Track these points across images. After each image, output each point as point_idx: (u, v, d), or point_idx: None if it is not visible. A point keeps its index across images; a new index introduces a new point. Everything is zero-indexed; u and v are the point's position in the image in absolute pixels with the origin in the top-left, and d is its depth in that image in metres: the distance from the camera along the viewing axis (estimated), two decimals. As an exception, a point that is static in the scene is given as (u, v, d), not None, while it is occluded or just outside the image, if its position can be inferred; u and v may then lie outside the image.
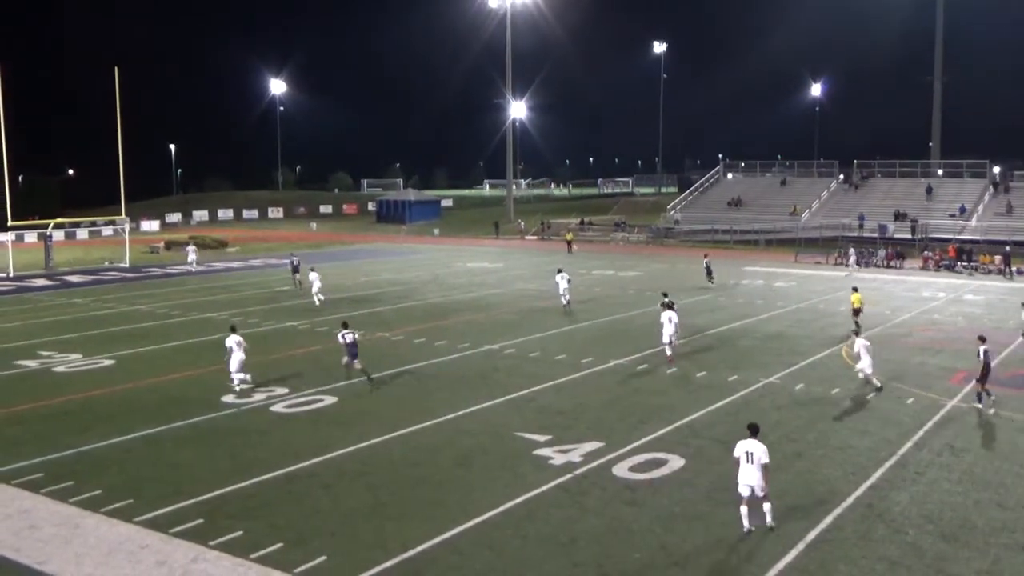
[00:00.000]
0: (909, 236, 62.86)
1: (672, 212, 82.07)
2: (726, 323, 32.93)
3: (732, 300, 39.44)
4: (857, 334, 24.16)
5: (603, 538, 13.64)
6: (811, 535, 13.67)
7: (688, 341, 29.34)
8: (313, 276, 38.61)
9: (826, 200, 77.00)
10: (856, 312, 31.35)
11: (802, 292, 42.17)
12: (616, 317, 34.69)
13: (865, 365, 22.43)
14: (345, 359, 23.72)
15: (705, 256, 46.51)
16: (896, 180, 78.42)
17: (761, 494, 13.76)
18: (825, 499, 15.16)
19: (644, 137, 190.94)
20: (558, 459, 17.13)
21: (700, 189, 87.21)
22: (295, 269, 43.23)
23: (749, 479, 13.73)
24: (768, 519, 13.77)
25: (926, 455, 17.59)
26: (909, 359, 26.59)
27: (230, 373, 22.90)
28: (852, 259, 52.17)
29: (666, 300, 27.77)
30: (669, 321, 25.84)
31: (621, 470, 16.60)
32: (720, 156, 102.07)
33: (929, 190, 72.45)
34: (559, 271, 37.47)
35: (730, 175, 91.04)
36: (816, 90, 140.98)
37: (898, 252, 56.10)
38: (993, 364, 21.35)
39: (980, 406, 20.71)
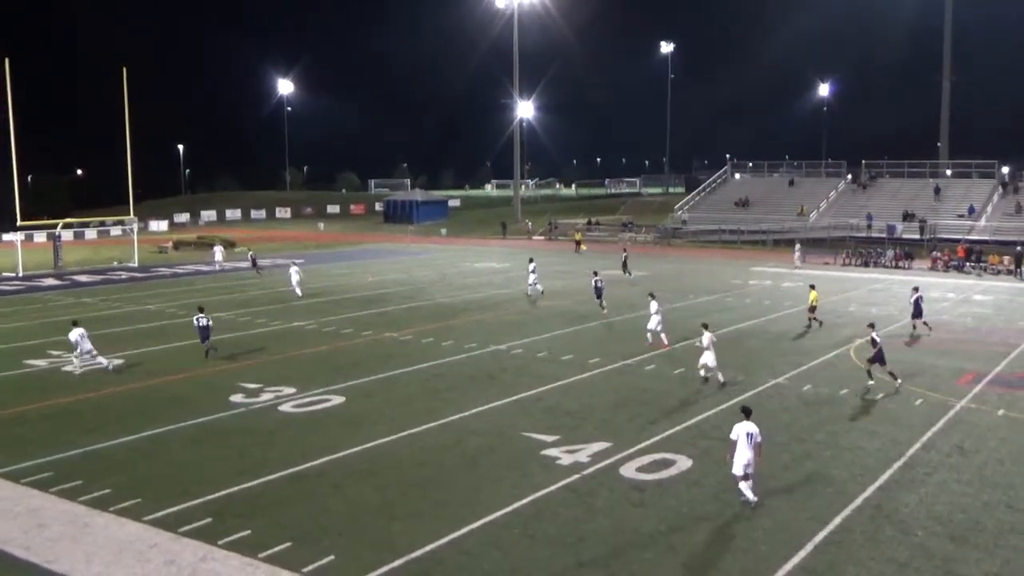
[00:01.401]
0: (917, 236, 62.66)
1: (679, 212, 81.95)
2: (734, 323, 32.87)
3: (740, 301, 39.38)
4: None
5: (611, 538, 13.63)
6: (819, 536, 13.64)
7: (694, 342, 29.28)
8: (293, 270, 41.69)
9: (834, 200, 76.80)
10: (812, 309, 31.89)
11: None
12: (624, 317, 34.66)
13: (709, 360, 23.30)
14: (203, 343, 26.65)
15: (624, 250, 48.62)
16: (904, 180, 78.17)
17: (751, 471, 14.76)
18: (833, 500, 15.13)
19: (651, 137, 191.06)
20: (566, 459, 17.12)
21: (707, 189, 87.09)
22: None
23: (745, 458, 14.71)
24: (750, 496, 14.78)
25: (935, 456, 17.54)
26: (918, 360, 26.51)
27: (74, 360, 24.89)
28: (797, 255, 54.31)
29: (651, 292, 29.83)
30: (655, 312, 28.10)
31: (629, 470, 16.59)
32: (728, 156, 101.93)
33: (937, 190, 72.22)
34: (531, 260, 40.71)
35: (737, 175, 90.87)
36: (824, 90, 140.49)
37: (906, 252, 55.99)
38: (1002, 365, 21.39)
39: (871, 383, 22.97)
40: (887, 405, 21.34)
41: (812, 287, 32.99)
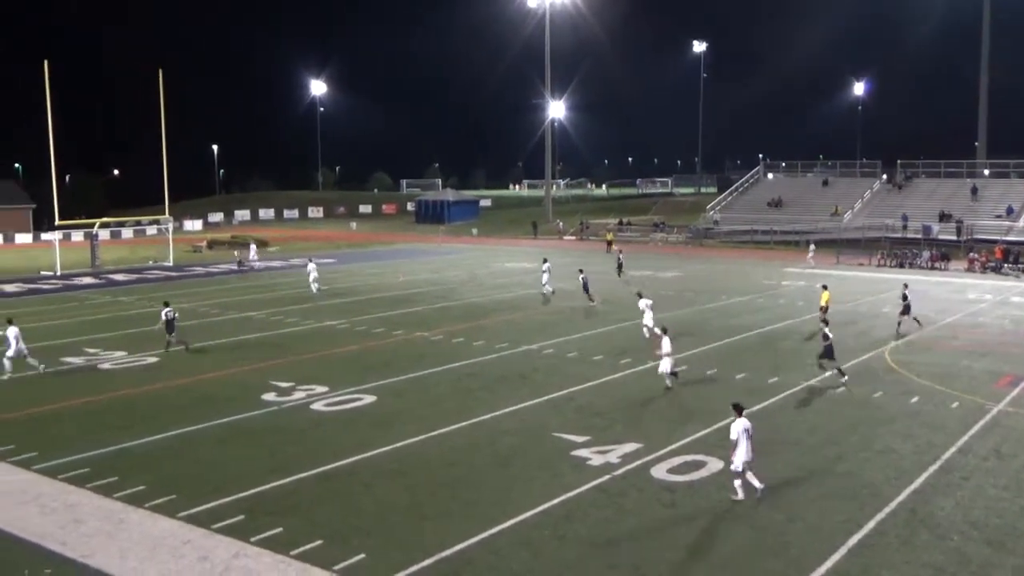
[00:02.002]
0: (954, 237, 61.80)
1: (711, 212, 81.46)
2: (767, 324, 32.62)
3: (773, 301, 39.06)
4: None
5: (641, 540, 13.58)
6: (853, 540, 13.49)
7: (727, 343, 29.15)
8: (311, 267, 42.69)
9: (868, 200, 75.94)
10: (823, 310, 31.24)
11: (844, 294, 41.62)
12: (655, 317, 34.43)
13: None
14: (168, 335, 27.83)
15: (619, 251, 48.38)
16: (941, 180, 77.10)
17: (752, 464, 15.07)
18: (867, 503, 14.96)
19: (683, 137, 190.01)
20: (596, 460, 17.08)
21: (740, 189, 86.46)
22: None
23: (747, 454, 14.93)
24: (757, 484, 15.06)
25: (972, 460, 17.28)
26: (955, 362, 26.14)
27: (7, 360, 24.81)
28: (810, 255, 54.85)
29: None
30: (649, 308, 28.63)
31: (660, 471, 16.52)
32: (760, 156, 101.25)
33: (975, 190, 71.15)
34: (544, 260, 40.99)
35: (770, 175, 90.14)
36: (859, 89, 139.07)
37: (943, 253, 55.24)
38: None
39: (824, 376, 23.62)
40: (923, 408, 21.06)
41: (824, 287, 32.85)
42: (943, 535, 13.73)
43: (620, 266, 47.78)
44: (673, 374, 22.93)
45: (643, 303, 29.37)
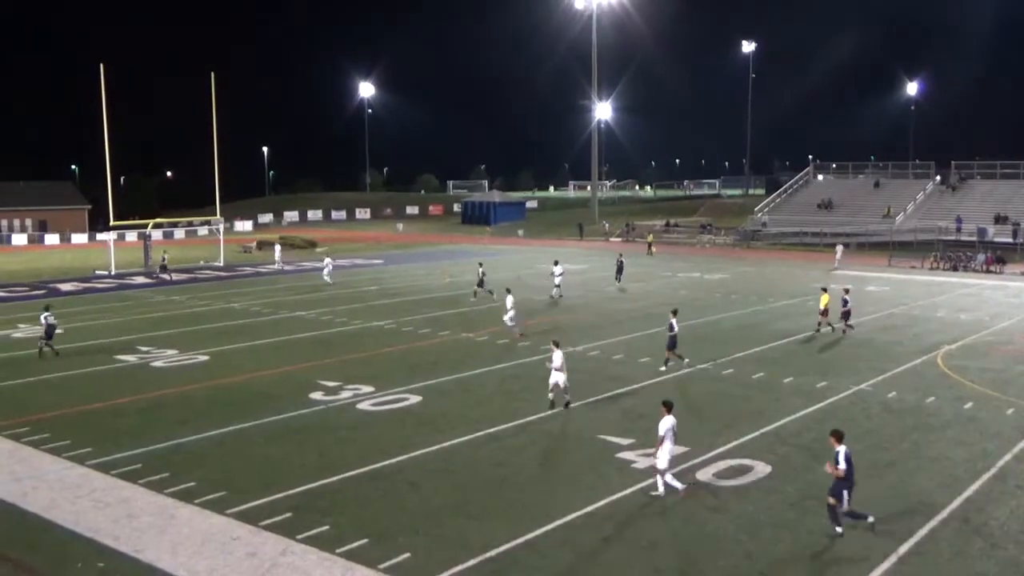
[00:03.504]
0: (1010, 240, 60.45)
1: (759, 214, 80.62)
2: (815, 328, 32.17)
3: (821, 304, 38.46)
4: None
5: (686, 544, 13.49)
6: (903, 548, 13.27)
7: (774, 346, 28.85)
8: (327, 260, 47.86)
9: (921, 202, 74.60)
10: (823, 313, 30.97)
11: (895, 297, 40.96)
12: (701, 320, 34.24)
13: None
14: (44, 339, 27.69)
15: (620, 255, 47.46)
16: (997, 182, 75.44)
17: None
18: (918, 511, 14.69)
19: (731, 138, 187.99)
20: (641, 463, 16.98)
21: (789, 191, 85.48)
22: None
23: (672, 453, 15.23)
24: (661, 490, 15.29)
25: (1027, 468, 16.89)
26: (1010, 368, 25.58)
27: None
28: (838, 255, 54.86)
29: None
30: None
31: (706, 475, 16.39)
32: (810, 157, 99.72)
33: (1032, 192, 69.57)
34: (556, 263, 41.98)
35: (820, 176, 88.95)
36: (912, 88, 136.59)
37: (998, 256, 54.05)
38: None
39: (664, 368, 24.92)
40: (977, 414, 20.63)
41: (824, 290, 32.05)
42: (997, 544, 13.44)
43: (620, 269, 45.03)
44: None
45: (509, 300, 30.87)
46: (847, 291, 31.88)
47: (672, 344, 25.11)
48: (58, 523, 14.39)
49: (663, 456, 15.13)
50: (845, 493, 13.41)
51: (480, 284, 39.93)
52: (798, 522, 14.25)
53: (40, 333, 28.13)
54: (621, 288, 43.68)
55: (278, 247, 60.33)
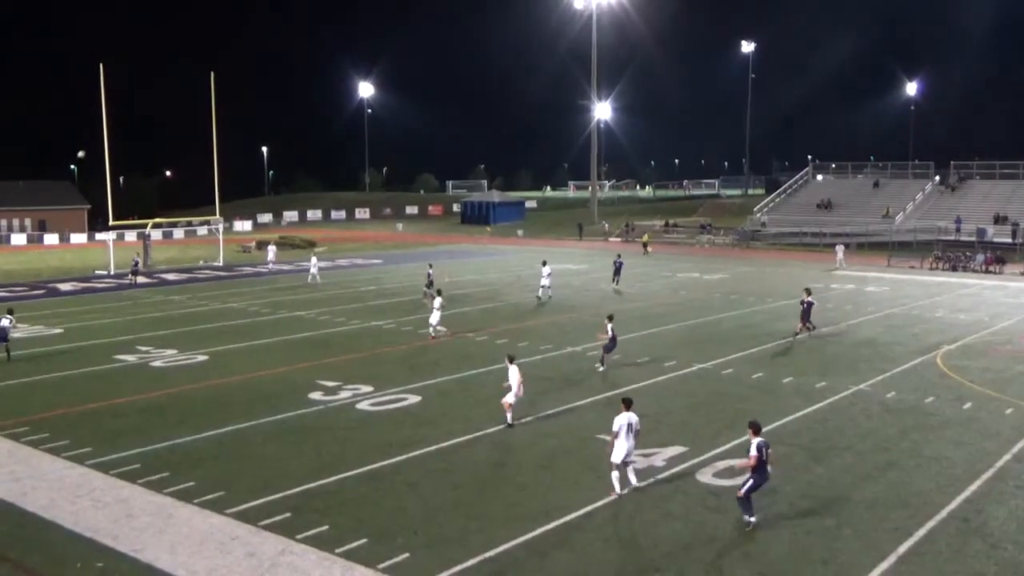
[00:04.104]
0: (1010, 240, 60.46)
1: (759, 214, 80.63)
2: (816, 327, 32.15)
3: (821, 304, 38.41)
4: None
5: (686, 544, 13.48)
6: (903, 548, 13.26)
7: (774, 346, 28.86)
8: (313, 260, 47.43)
9: (921, 202, 74.62)
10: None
11: (895, 297, 40.98)
12: (700, 320, 34.26)
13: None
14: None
15: (618, 256, 46.86)
16: (996, 182, 75.47)
17: (632, 460, 15.63)
18: (918, 511, 14.69)
19: (730, 138, 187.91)
20: (641, 463, 16.96)
21: (788, 191, 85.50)
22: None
23: (625, 449, 15.26)
24: (634, 481, 15.52)
25: (1026, 468, 16.89)
26: (1009, 368, 25.58)
27: None
28: (840, 255, 54.69)
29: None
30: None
31: (705, 475, 16.40)
32: (809, 157, 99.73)
33: (1032, 192, 69.58)
34: (544, 263, 41.43)
35: (820, 176, 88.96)
36: (911, 88, 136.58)
37: (998, 256, 54.06)
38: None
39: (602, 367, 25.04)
40: (976, 414, 20.64)
41: (807, 291, 31.08)
42: (996, 544, 13.44)
43: (617, 270, 44.44)
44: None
45: (437, 301, 30.80)
46: (808, 291, 30.86)
47: (610, 347, 25.18)
48: (57, 523, 14.38)
49: (617, 453, 15.32)
50: (751, 482, 13.99)
51: (429, 286, 38.45)
52: (797, 522, 14.25)
53: None
54: (617, 290, 43.43)
55: (272, 247, 59.34)
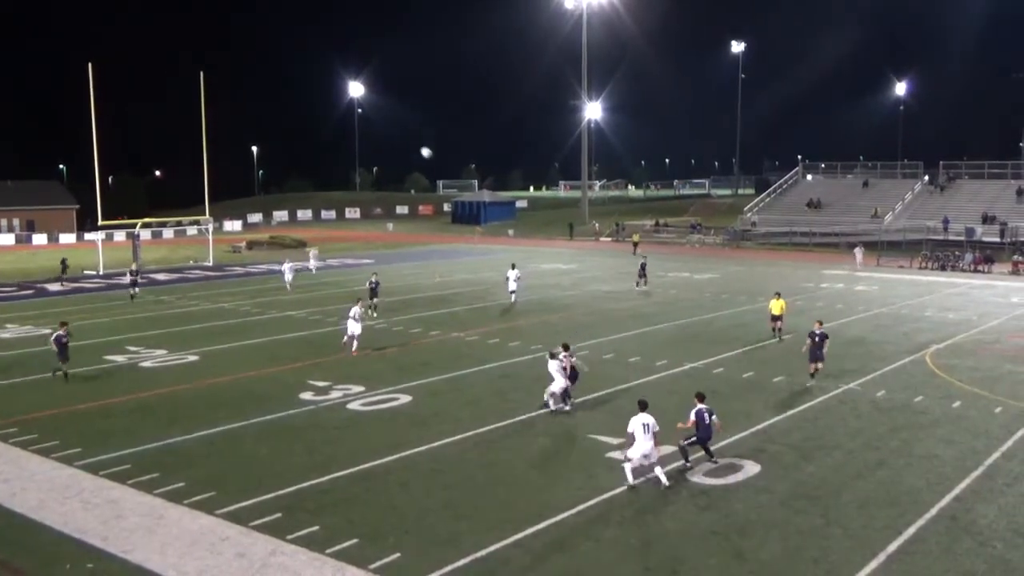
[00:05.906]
0: (998, 239, 60.75)
1: (749, 214, 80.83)
2: (804, 328, 32.19)
3: (811, 304, 38.63)
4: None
5: (677, 543, 13.50)
6: (892, 546, 13.32)
7: (764, 345, 28.93)
8: (287, 265, 45.05)
9: (910, 202, 74.93)
10: (775, 319, 29.77)
11: (884, 296, 41.13)
12: (691, 320, 34.32)
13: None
14: None
15: (640, 254, 46.10)
16: (985, 182, 75.90)
17: (655, 460, 15.86)
18: (908, 510, 14.75)
19: (721, 138, 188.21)
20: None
21: (778, 191, 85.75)
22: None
23: (645, 449, 15.63)
24: (664, 481, 15.70)
25: (1016, 466, 16.97)
26: (998, 366, 25.70)
27: None
28: (859, 258, 54.46)
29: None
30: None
31: (695, 475, 16.42)
32: (799, 157, 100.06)
33: (1020, 192, 69.92)
34: (512, 266, 39.77)
35: (809, 176, 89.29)
36: (900, 89, 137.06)
37: (986, 256, 54.32)
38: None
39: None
40: (965, 413, 20.73)
41: (778, 295, 30.62)
42: (985, 542, 13.50)
43: (643, 268, 44.11)
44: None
45: (355, 310, 27.75)
46: (820, 323, 24.67)
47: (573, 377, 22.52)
48: (47, 524, 14.31)
49: (633, 451, 15.78)
50: (693, 438, 16.53)
51: (373, 295, 36.00)
52: (788, 521, 14.29)
53: None
54: (644, 291, 42.22)
55: (313, 251, 58.00)
